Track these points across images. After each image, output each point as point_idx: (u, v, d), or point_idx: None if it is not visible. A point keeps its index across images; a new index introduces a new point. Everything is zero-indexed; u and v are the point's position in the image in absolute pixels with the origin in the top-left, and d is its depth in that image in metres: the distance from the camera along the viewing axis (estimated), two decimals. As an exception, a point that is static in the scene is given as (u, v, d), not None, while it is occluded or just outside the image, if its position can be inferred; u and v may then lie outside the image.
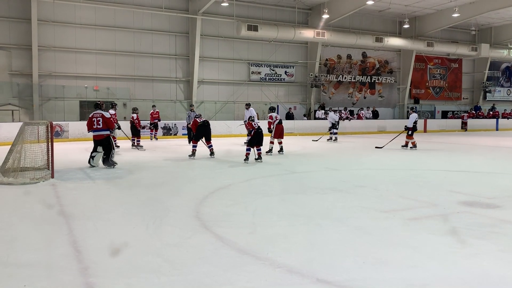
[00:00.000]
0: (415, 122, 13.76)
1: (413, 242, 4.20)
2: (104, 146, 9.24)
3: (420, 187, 7.29)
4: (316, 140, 17.19)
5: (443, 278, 3.33)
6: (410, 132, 13.67)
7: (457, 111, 29.36)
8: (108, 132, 9.29)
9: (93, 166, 9.31)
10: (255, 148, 10.45)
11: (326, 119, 18.13)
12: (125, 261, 3.63)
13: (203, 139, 11.35)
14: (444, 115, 29.20)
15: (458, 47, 27.18)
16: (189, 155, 11.07)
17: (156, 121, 17.01)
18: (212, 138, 11.44)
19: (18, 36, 17.97)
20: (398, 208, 5.66)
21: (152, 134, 17.20)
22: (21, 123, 8.59)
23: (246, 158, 10.16)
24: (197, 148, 11.16)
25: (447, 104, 30.04)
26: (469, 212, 5.39)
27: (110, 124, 9.38)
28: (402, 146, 13.83)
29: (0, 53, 17.71)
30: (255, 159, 10.31)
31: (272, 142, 12.16)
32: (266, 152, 11.72)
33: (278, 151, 12.16)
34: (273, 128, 12.13)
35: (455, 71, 29.99)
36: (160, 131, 18.01)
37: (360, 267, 3.51)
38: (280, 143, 12.31)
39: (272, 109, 12.69)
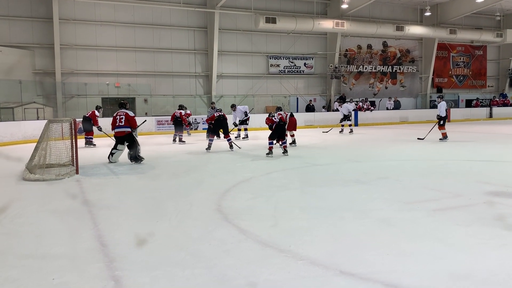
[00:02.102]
0: (446, 111, 13.00)
1: (439, 234, 4.13)
2: (129, 144, 9.34)
3: (445, 178, 7.16)
4: (327, 132, 16.87)
5: (471, 269, 3.26)
6: (442, 122, 12.91)
7: (482, 99, 28.63)
8: (129, 130, 9.36)
9: (112, 162, 9.43)
10: (279, 142, 10.41)
11: (338, 110, 17.73)
12: (149, 255, 3.68)
13: (221, 133, 11.43)
14: (468, 103, 28.50)
15: (482, 34, 26.36)
16: (206, 149, 11.19)
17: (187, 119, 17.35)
18: (231, 132, 11.50)
19: (40, 35, 18.36)
20: (422, 199, 5.57)
21: (187, 129, 17.47)
22: (45, 121, 8.77)
23: (270, 152, 10.00)
24: (217, 142, 11.23)
25: (471, 93, 29.31)
26: (496, 203, 5.25)
27: (132, 123, 9.42)
28: (440, 139, 12.90)
29: (24, 52, 18.13)
30: (282, 152, 10.26)
31: (286, 135, 12.06)
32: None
33: (290, 143, 12.06)
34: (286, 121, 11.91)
35: (479, 58, 29.22)
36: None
37: (384, 259, 3.47)
38: (292, 135, 12.23)
39: (279, 109, 12.20)
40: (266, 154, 9.99)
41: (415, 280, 3.07)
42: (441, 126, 12.98)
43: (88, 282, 3.14)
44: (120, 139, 9.39)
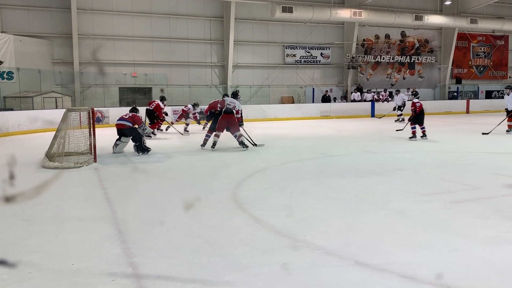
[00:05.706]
0: None
1: (455, 226, 4.09)
2: (133, 136, 9.32)
3: (463, 170, 7.06)
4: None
5: (487, 262, 3.22)
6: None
7: (503, 91, 28.02)
8: (130, 124, 9.36)
9: (115, 153, 9.46)
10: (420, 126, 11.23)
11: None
12: (166, 242, 3.73)
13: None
14: (488, 95, 27.95)
15: (505, 23, 25.66)
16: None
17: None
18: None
19: (58, 25, 18.58)
20: (439, 191, 5.51)
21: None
22: (64, 110, 8.90)
23: (413, 136, 11.09)
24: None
25: (492, 84, 28.71)
26: (516, 196, 5.18)
27: (137, 119, 9.51)
28: (507, 131, 12.41)
29: (43, 42, 18.37)
30: (421, 136, 11.13)
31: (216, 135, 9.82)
32: (212, 146, 9.75)
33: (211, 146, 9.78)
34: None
35: (500, 48, 28.55)
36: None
37: (400, 251, 3.46)
38: (217, 136, 9.79)
39: (232, 95, 10.39)
40: (409, 138, 11.16)
41: (431, 272, 3.05)
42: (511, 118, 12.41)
43: (106, 268, 3.20)
44: (119, 131, 9.44)
